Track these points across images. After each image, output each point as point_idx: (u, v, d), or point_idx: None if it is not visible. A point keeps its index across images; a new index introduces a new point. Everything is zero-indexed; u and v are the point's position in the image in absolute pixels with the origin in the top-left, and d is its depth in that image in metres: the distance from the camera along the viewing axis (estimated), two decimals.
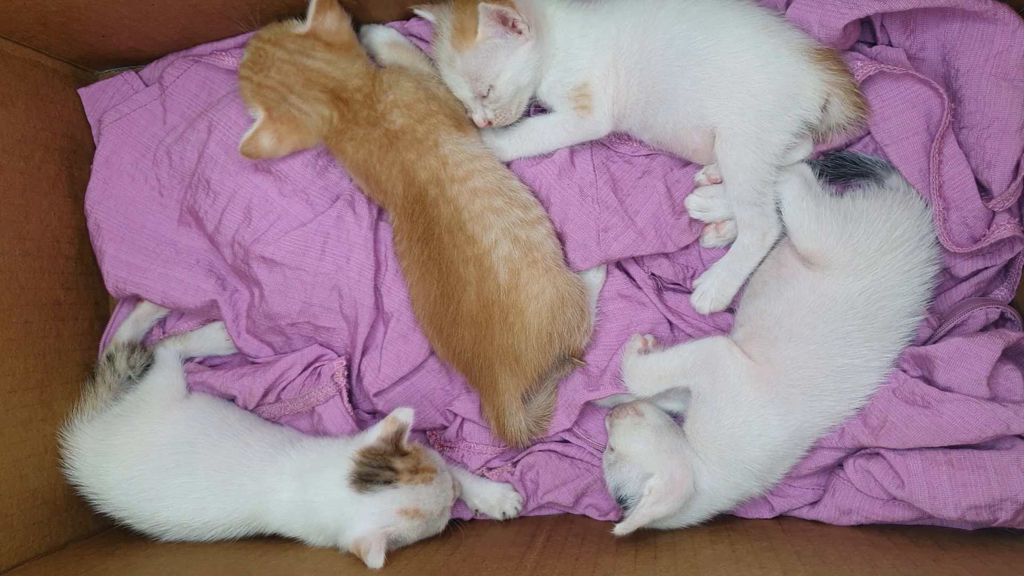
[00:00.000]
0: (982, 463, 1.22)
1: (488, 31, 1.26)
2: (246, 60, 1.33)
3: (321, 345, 1.45)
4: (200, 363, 1.51)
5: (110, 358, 1.42)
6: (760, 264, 1.34)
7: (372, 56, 1.40)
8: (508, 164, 1.39)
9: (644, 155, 1.40)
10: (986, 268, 1.34)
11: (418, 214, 1.31)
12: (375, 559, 1.18)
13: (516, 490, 1.45)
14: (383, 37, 1.42)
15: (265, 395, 1.44)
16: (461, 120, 1.35)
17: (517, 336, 1.30)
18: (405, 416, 1.25)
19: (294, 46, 1.31)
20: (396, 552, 1.24)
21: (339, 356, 1.44)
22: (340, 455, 1.26)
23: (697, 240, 1.40)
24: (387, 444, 1.24)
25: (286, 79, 1.31)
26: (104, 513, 1.36)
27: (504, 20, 1.25)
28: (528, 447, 1.44)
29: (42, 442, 1.35)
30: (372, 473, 1.23)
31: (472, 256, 1.29)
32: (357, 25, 1.40)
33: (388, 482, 1.23)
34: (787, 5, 1.30)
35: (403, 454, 1.25)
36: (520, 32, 1.27)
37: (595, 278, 1.41)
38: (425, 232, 1.31)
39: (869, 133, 1.34)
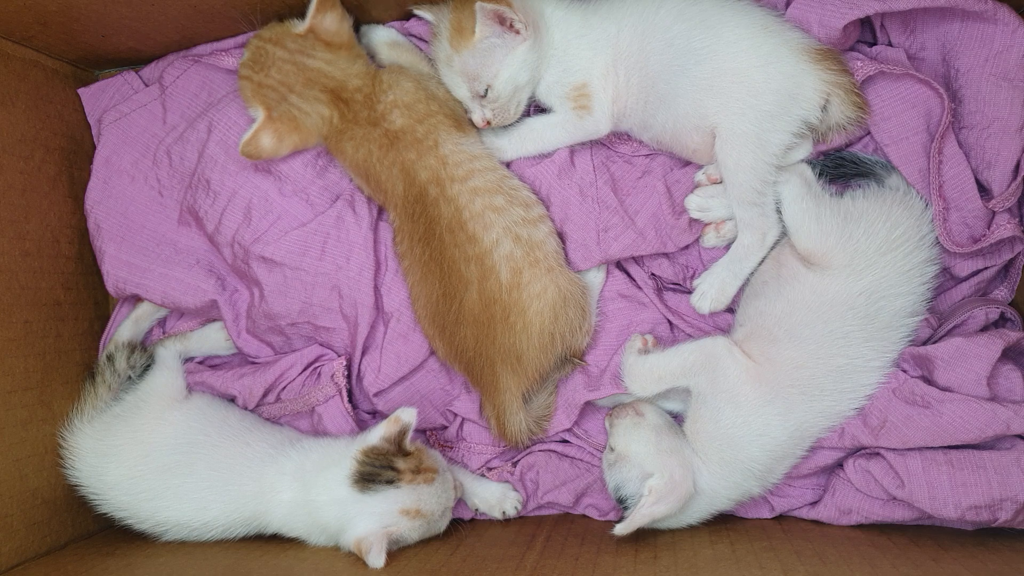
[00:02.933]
0: (982, 463, 1.22)
1: (486, 31, 1.26)
2: (246, 60, 1.33)
3: (321, 345, 1.45)
4: (200, 363, 1.51)
5: (110, 358, 1.42)
6: (760, 264, 1.34)
7: (372, 56, 1.40)
8: (508, 164, 1.39)
9: (644, 155, 1.40)
10: (986, 268, 1.34)
11: (419, 214, 1.31)
12: (376, 559, 1.18)
13: (516, 490, 1.45)
14: (383, 37, 1.42)
15: (265, 395, 1.44)
16: (461, 120, 1.35)
17: (519, 335, 1.30)
18: (408, 416, 1.25)
19: (294, 46, 1.31)
20: (396, 552, 1.24)
21: (339, 356, 1.44)
22: (342, 455, 1.26)
23: (697, 240, 1.40)
24: (390, 444, 1.24)
25: (286, 79, 1.31)
26: (104, 513, 1.36)
27: (502, 20, 1.25)
28: (528, 447, 1.44)
29: (42, 442, 1.35)
30: (374, 473, 1.23)
31: (473, 255, 1.29)
32: (357, 25, 1.40)
33: (390, 482, 1.23)
34: (787, 5, 1.30)
35: (406, 454, 1.25)
36: (518, 32, 1.27)
37: (595, 278, 1.41)
38: (426, 232, 1.31)
39: (869, 133, 1.34)
